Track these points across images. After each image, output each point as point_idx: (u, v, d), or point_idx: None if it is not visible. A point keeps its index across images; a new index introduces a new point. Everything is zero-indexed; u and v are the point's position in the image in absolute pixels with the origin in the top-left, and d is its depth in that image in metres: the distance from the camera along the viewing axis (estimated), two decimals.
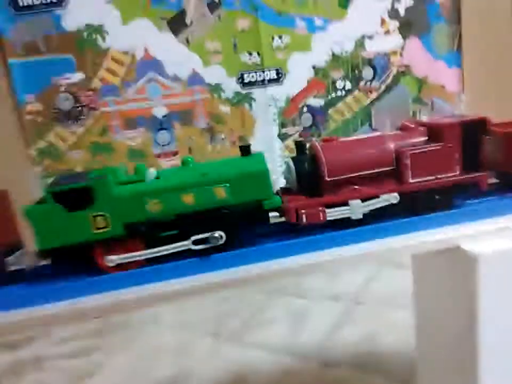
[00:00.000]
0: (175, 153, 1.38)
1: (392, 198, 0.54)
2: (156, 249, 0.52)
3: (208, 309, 1.28)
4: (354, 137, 0.60)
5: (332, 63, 1.46)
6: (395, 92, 1.55)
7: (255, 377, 0.97)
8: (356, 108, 1.52)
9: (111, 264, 0.51)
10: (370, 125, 1.55)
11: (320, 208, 0.53)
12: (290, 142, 1.47)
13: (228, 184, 0.51)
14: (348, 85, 1.49)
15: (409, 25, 1.51)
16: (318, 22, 1.41)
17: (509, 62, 1.68)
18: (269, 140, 1.44)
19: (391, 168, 0.55)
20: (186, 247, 0.52)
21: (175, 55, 1.31)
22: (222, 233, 0.52)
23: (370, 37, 1.48)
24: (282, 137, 1.47)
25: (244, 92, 1.39)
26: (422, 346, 0.70)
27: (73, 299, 0.49)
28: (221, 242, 0.52)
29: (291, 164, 0.56)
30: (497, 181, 0.60)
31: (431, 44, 1.54)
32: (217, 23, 1.32)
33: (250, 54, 1.37)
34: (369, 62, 1.50)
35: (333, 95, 1.49)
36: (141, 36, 1.29)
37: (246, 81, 1.38)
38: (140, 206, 0.50)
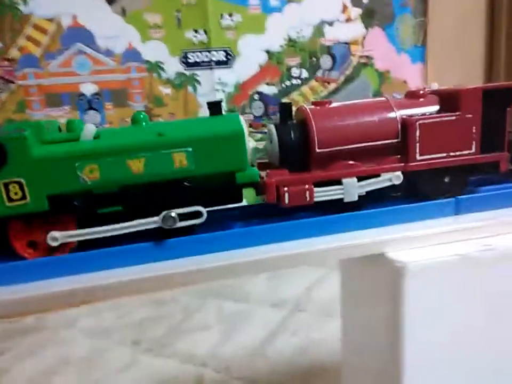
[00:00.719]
0: None
1: (395, 177, 0.45)
2: (113, 226, 0.40)
3: (133, 313, 1.14)
4: (353, 102, 0.49)
5: (288, 48, 1.34)
6: (355, 84, 1.45)
7: None
8: (312, 99, 1.41)
9: (53, 244, 0.39)
10: None
11: (307, 186, 0.43)
12: None
13: (190, 149, 0.40)
14: (304, 74, 1.38)
15: (372, 14, 1.41)
16: (274, 2, 1.29)
17: (475, 59, 1.61)
18: None
19: (396, 141, 0.45)
20: (153, 226, 0.40)
21: (109, 26, 1.16)
22: (199, 209, 0.40)
23: (330, 24, 1.37)
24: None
25: (187, 73, 1.25)
26: (347, 359, 0.60)
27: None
28: (180, 224, 0.40)
29: (273, 130, 0.45)
30: None
31: (394, 36, 1.45)
32: None
33: (196, 31, 1.23)
34: (328, 50, 1.39)
35: (288, 83, 1.37)
36: (69, 2, 1.13)
37: (190, 61, 1.25)
38: (70, 172, 0.38)
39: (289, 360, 0.88)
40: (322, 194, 0.44)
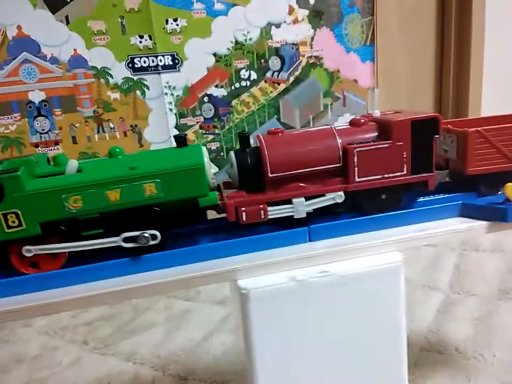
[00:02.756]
0: (56, 142, 1.26)
1: (338, 196, 0.51)
2: (80, 243, 0.47)
3: (86, 313, 1.18)
4: (301, 130, 0.56)
5: (235, 51, 1.37)
6: (305, 84, 1.48)
7: None
8: (262, 100, 1.44)
9: (28, 255, 0.47)
10: (278, 118, 1.48)
11: (262, 206, 0.50)
12: (190, 134, 1.38)
13: (158, 180, 0.46)
14: (253, 75, 1.41)
15: (319, 14, 1.44)
16: (218, 6, 1.32)
17: (423, 57, 1.65)
18: (166, 130, 1.35)
19: (337, 165, 0.52)
20: (115, 244, 0.47)
21: (53, 34, 1.19)
22: (154, 233, 0.47)
23: (277, 26, 1.40)
24: (181, 128, 1.37)
25: (135, 77, 1.28)
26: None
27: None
28: (154, 242, 0.48)
29: (233, 157, 0.51)
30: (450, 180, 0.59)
31: (343, 36, 1.48)
32: (101, 1, 1.21)
33: (141, 37, 1.26)
34: (276, 52, 1.42)
35: (237, 85, 1.40)
36: (13, 13, 1.15)
37: (137, 66, 1.28)
38: (57, 203, 0.45)
39: (224, 358, 0.93)
40: (276, 212, 0.50)
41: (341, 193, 0.52)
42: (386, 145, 0.51)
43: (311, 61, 1.47)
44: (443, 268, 1.25)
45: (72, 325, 1.14)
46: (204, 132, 1.39)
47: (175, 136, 0.51)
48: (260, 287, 0.46)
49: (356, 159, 0.51)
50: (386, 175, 0.52)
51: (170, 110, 1.34)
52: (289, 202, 0.51)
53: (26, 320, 1.17)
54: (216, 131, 1.40)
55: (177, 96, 1.34)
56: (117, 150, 0.49)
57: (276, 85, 1.44)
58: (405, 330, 0.50)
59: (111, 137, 1.29)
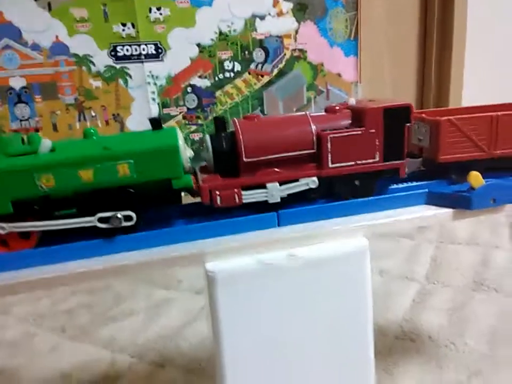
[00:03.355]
0: (36, 130, 1.25)
1: (311, 182, 0.52)
2: (55, 222, 0.47)
3: (66, 300, 1.18)
4: (277, 116, 0.57)
5: (219, 42, 1.37)
6: (289, 77, 1.49)
7: (81, 377, 0.89)
8: (246, 91, 1.45)
9: (1, 232, 0.46)
10: (262, 110, 1.49)
11: (236, 190, 0.50)
12: (173, 123, 1.38)
13: (131, 160, 0.46)
14: (237, 67, 1.41)
15: (304, 8, 1.45)
16: None
17: (406, 52, 1.67)
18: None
19: (311, 151, 0.52)
20: (89, 224, 0.47)
21: (35, 21, 1.17)
22: (128, 213, 0.47)
23: (261, 18, 1.40)
24: (164, 118, 1.37)
25: (117, 66, 1.28)
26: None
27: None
28: (127, 223, 0.48)
29: (208, 141, 0.51)
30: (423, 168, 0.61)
31: (327, 30, 1.49)
32: None
33: (124, 25, 1.25)
34: (261, 44, 1.42)
35: (221, 76, 1.41)
36: None
37: (119, 54, 1.27)
38: (29, 181, 0.45)
39: (201, 345, 0.93)
40: (250, 196, 0.51)
41: (315, 178, 0.52)
42: (359, 132, 0.52)
43: (295, 54, 1.47)
44: (420, 259, 1.27)
45: (51, 312, 1.14)
46: (187, 122, 1.39)
47: (150, 119, 0.50)
48: (227, 269, 0.46)
49: (329, 145, 0.52)
50: (359, 162, 0.53)
51: (153, 99, 1.34)
52: (264, 187, 0.51)
53: (4, 306, 1.17)
54: (199, 122, 1.41)
55: (160, 85, 1.34)
56: (92, 131, 0.49)
57: (260, 77, 1.45)
58: (371, 314, 0.51)
59: (92, 126, 1.28)
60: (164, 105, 1.36)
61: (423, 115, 0.60)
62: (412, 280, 1.16)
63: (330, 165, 0.52)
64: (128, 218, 0.48)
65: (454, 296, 1.07)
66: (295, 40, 1.46)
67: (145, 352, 0.93)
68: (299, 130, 0.52)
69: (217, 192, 0.50)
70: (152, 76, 1.31)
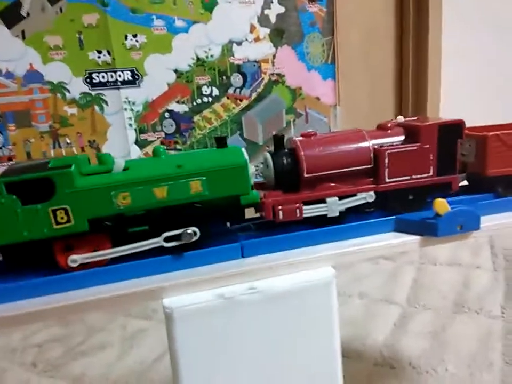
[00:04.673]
0: (10, 158, 1.23)
1: (369, 196, 0.54)
2: (123, 248, 0.47)
3: (38, 334, 1.14)
4: (333, 133, 0.58)
5: (197, 67, 1.38)
6: (267, 101, 1.50)
7: None
8: (224, 116, 1.45)
9: (73, 265, 0.46)
10: (241, 134, 1.49)
11: (297, 205, 0.51)
12: (149, 149, 1.37)
13: (204, 178, 0.47)
14: (215, 92, 1.42)
15: (281, 33, 1.47)
16: (179, 22, 1.33)
17: (383, 75, 1.69)
18: (125, 146, 1.33)
19: (369, 166, 0.54)
20: (157, 245, 0.48)
21: (9, 49, 1.17)
22: (196, 229, 0.48)
23: (238, 43, 1.42)
24: (141, 143, 1.36)
25: (93, 93, 1.27)
26: None
27: (31, 298, 0.44)
28: (195, 238, 0.48)
29: (269, 158, 0.53)
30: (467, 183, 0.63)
31: (304, 54, 1.51)
32: (59, 16, 1.20)
33: (99, 52, 1.25)
34: (238, 69, 1.43)
35: (199, 101, 1.41)
36: None
37: (95, 81, 1.27)
38: (106, 199, 0.46)
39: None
40: (310, 211, 0.52)
41: (372, 193, 0.54)
42: (415, 147, 0.54)
43: (273, 78, 1.48)
44: (401, 282, 1.26)
45: (22, 346, 1.10)
46: (165, 147, 1.38)
47: (215, 137, 0.52)
48: (184, 305, 0.44)
49: (386, 161, 0.53)
50: (414, 176, 0.55)
51: (130, 125, 1.33)
52: (323, 201, 0.52)
53: None
54: (178, 147, 1.40)
55: (137, 111, 1.33)
56: (161, 150, 0.50)
57: (238, 101, 1.45)
58: (339, 346, 0.50)
59: (67, 153, 1.27)
60: (141, 131, 1.35)
61: (466, 131, 0.62)
62: (392, 303, 1.15)
63: (387, 180, 0.54)
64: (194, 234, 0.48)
65: (435, 319, 1.06)
66: (273, 65, 1.47)
67: None
68: (357, 146, 0.54)
69: (280, 207, 0.51)
70: (129, 101, 1.31)
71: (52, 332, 1.14)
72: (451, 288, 1.21)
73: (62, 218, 0.45)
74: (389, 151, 0.53)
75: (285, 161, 0.53)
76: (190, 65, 1.37)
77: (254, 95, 1.47)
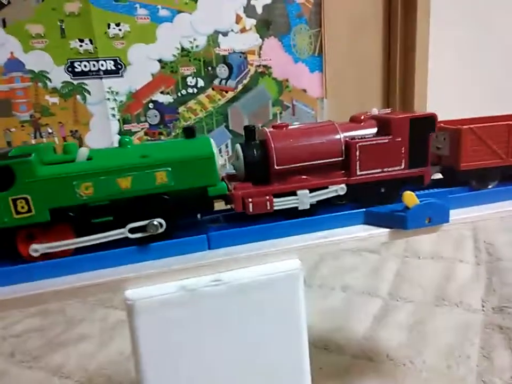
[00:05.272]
0: None
1: (340, 189, 0.53)
2: (86, 238, 0.46)
3: (17, 324, 1.13)
4: (305, 125, 0.57)
5: (182, 58, 1.36)
6: (253, 92, 1.49)
7: None
8: (210, 107, 1.43)
9: (35, 254, 0.45)
10: (227, 126, 1.47)
11: (268, 197, 0.51)
12: (135, 140, 1.36)
13: (170, 168, 0.46)
14: (201, 83, 1.40)
15: (267, 24, 1.45)
16: (164, 12, 1.31)
17: (370, 67, 1.68)
18: (108, 136, 1.32)
19: (340, 159, 0.54)
20: (122, 236, 0.47)
21: None
22: (162, 221, 0.47)
23: (224, 34, 1.40)
24: (125, 134, 1.35)
25: (75, 82, 1.25)
26: None
27: None
28: (161, 230, 0.47)
29: (239, 150, 0.52)
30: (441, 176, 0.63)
31: (291, 46, 1.50)
32: (40, 4, 1.18)
33: (81, 40, 1.23)
34: (224, 60, 1.42)
35: (184, 92, 1.39)
36: None
37: (77, 70, 1.25)
38: (68, 189, 0.45)
39: None
40: (281, 203, 0.51)
41: (343, 185, 0.54)
42: (386, 140, 0.53)
43: (259, 70, 1.47)
44: (384, 274, 1.26)
45: (2, 336, 1.09)
46: (150, 138, 1.36)
47: (183, 128, 0.51)
48: (146, 297, 0.44)
49: (357, 153, 0.53)
50: (385, 169, 0.54)
51: (113, 115, 1.31)
52: (294, 194, 0.52)
53: None
54: (162, 138, 1.39)
55: (121, 101, 1.31)
56: (126, 139, 0.49)
57: (224, 92, 1.44)
58: (306, 338, 0.49)
59: (49, 142, 1.25)
60: (124, 121, 1.34)
61: (441, 124, 0.62)
62: (374, 296, 1.15)
63: (358, 172, 0.54)
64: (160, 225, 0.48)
65: (415, 312, 1.06)
66: (259, 56, 1.46)
67: (94, 379, 0.89)
68: (328, 138, 0.54)
69: (250, 200, 0.50)
70: (112, 91, 1.29)
71: (31, 322, 1.13)
72: (433, 281, 1.21)
73: (23, 207, 0.44)
74: (360, 143, 0.53)
75: (255, 152, 0.52)
76: (174, 55, 1.35)
77: (240, 87, 1.46)
